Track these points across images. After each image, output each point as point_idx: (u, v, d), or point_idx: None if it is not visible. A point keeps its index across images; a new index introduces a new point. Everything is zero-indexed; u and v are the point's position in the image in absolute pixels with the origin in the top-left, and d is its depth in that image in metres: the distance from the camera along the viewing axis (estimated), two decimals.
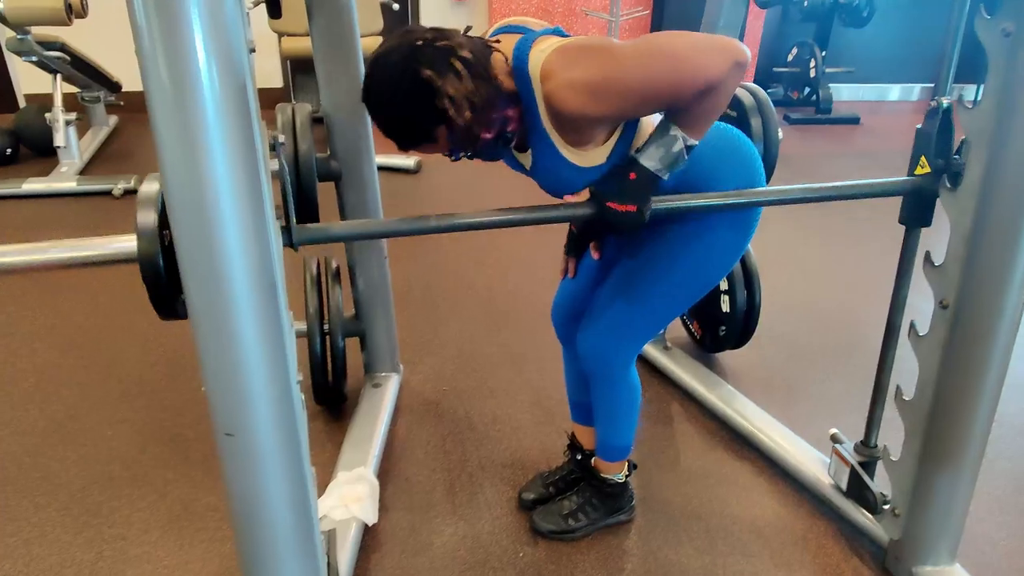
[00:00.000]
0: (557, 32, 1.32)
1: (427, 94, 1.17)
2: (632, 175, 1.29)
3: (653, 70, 1.20)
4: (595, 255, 1.60)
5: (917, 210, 1.50)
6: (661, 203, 1.35)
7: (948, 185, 1.41)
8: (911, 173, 1.48)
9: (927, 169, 1.44)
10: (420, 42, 1.18)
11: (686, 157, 1.29)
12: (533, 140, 1.33)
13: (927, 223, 1.50)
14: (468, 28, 1.30)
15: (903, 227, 1.56)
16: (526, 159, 1.41)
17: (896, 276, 1.61)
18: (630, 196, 1.29)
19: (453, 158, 1.33)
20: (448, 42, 1.19)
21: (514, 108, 1.30)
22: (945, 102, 1.40)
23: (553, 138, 1.30)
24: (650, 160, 1.28)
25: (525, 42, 1.27)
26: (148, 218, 1.00)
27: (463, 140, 1.25)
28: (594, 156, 1.32)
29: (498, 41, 1.29)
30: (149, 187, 1.02)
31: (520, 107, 1.30)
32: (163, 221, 1.00)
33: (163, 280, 1.03)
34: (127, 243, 1.03)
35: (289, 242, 1.21)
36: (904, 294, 1.61)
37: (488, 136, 1.28)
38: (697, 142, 1.28)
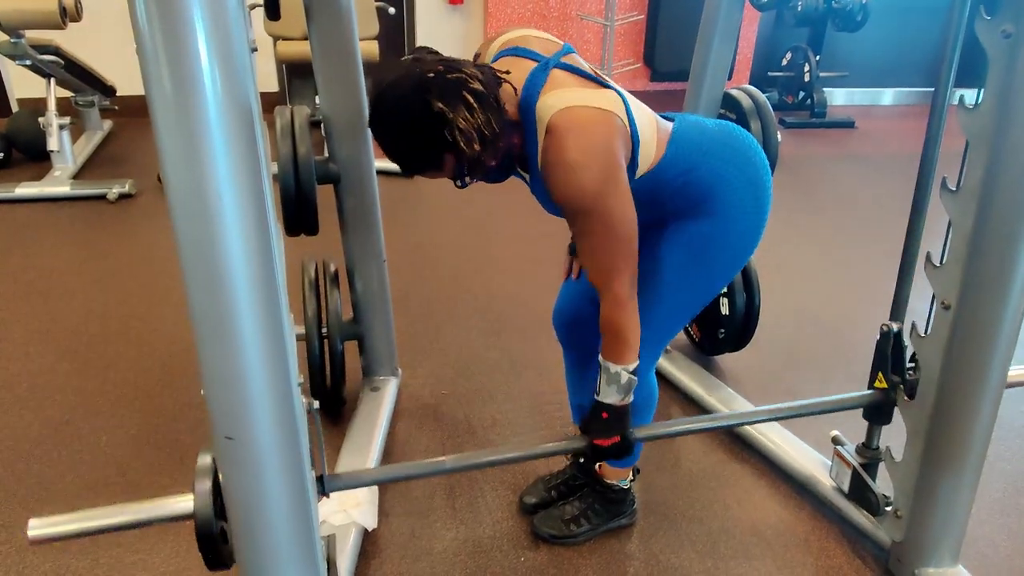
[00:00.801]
0: (566, 53, 1.34)
1: (438, 126, 1.19)
2: (604, 415, 1.44)
3: (591, 232, 1.31)
4: None
5: (878, 415, 1.67)
6: (644, 433, 1.53)
7: (905, 398, 1.55)
8: (871, 386, 1.64)
9: (884, 384, 1.61)
10: (431, 73, 1.19)
11: (636, 378, 1.42)
12: (531, 167, 1.36)
13: (888, 422, 1.66)
14: (477, 56, 1.32)
15: (903, 214, 1.58)
16: (527, 176, 1.44)
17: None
18: (610, 430, 1.46)
19: (459, 184, 1.34)
20: (459, 74, 1.20)
21: (518, 135, 1.33)
22: (895, 326, 1.58)
23: (544, 180, 1.32)
24: (610, 398, 1.43)
25: (536, 81, 1.29)
26: (204, 485, 1.11)
27: (470, 168, 1.27)
28: None
29: (508, 72, 1.30)
30: (204, 459, 1.14)
31: (523, 134, 1.33)
32: (216, 487, 1.12)
33: (215, 538, 1.12)
34: (184, 505, 1.13)
35: (323, 491, 1.31)
36: (906, 293, 1.63)
37: (493, 163, 1.30)
38: (636, 364, 1.41)
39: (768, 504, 1.88)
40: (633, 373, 1.41)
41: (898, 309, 1.65)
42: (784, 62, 5.86)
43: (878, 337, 1.61)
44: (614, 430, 1.45)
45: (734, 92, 2.11)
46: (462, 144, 1.20)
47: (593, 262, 1.35)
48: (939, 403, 1.47)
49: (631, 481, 1.75)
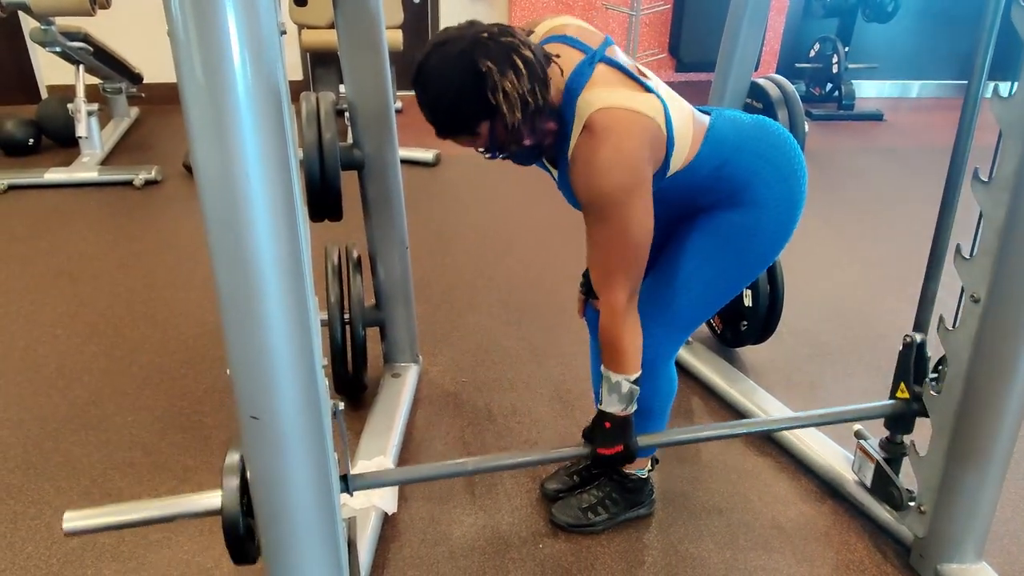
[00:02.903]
0: (608, 45, 1.33)
1: (483, 86, 1.18)
2: (607, 424, 1.44)
3: (612, 247, 1.32)
4: None
5: (901, 424, 1.66)
6: (647, 441, 1.53)
7: (927, 399, 1.55)
8: (892, 395, 1.65)
9: (906, 394, 1.62)
10: (485, 34, 1.19)
11: (638, 387, 1.41)
12: (560, 162, 1.36)
13: (909, 431, 1.67)
14: (530, 32, 1.32)
15: (932, 211, 1.56)
16: (554, 171, 1.44)
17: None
18: (613, 440, 1.46)
19: (488, 156, 1.34)
20: (512, 39, 1.20)
21: (555, 122, 1.32)
22: (919, 337, 1.59)
23: (571, 174, 1.32)
24: (612, 407, 1.42)
25: (582, 73, 1.28)
26: (232, 483, 1.14)
27: (505, 139, 1.26)
28: None
29: (559, 56, 1.29)
30: (232, 458, 1.17)
31: (560, 124, 1.32)
32: (243, 486, 1.15)
33: (242, 537, 1.15)
34: (211, 501, 1.18)
35: (346, 489, 1.34)
36: (934, 288, 1.59)
37: (528, 143, 1.29)
38: (637, 375, 1.40)
39: (789, 497, 1.87)
40: (635, 383, 1.40)
41: (923, 315, 1.63)
42: (812, 53, 5.78)
43: (901, 347, 1.61)
44: (617, 439, 1.45)
45: (761, 81, 2.09)
46: (504, 109, 1.19)
47: (599, 265, 1.36)
48: (966, 397, 1.45)
49: (649, 471, 1.75)
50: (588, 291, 1.71)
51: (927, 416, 1.55)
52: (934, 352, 1.58)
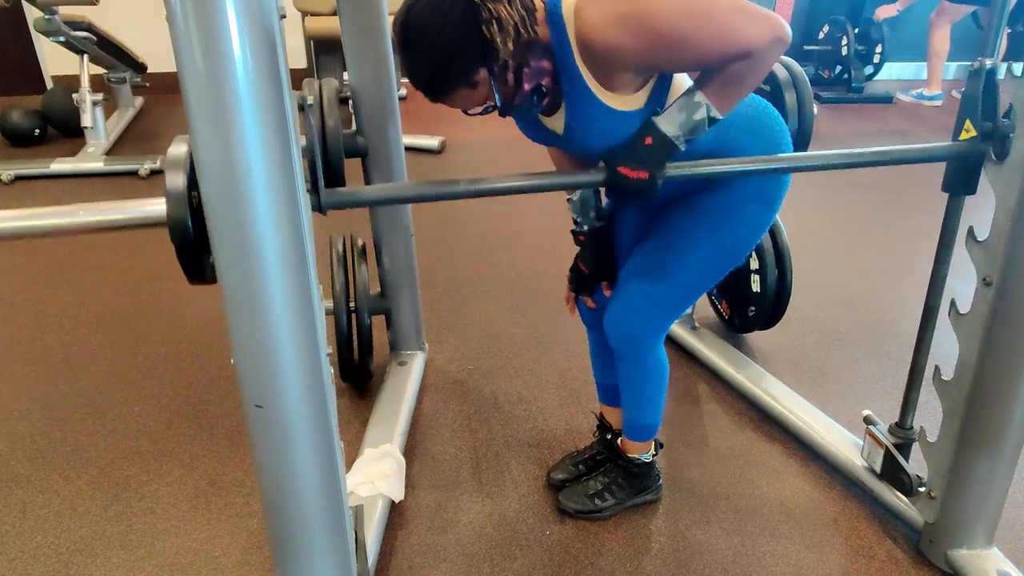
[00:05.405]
0: None
1: (475, 21, 1.12)
2: (648, 139, 1.23)
3: (689, 25, 1.13)
4: (607, 292, 1.61)
5: (962, 177, 1.40)
6: (676, 169, 1.27)
7: (994, 158, 1.34)
8: (955, 138, 1.40)
9: (972, 133, 1.35)
10: None
11: (707, 128, 1.23)
12: (566, 89, 1.27)
13: (972, 191, 1.41)
14: None
15: (943, 197, 1.50)
16: (557, 122, 1.35)
17: (937, 247, 1.54)
18: (643, 162, 1.23)
19: (483, 110, 1.26)
20: None
21: (549, 60, 1.24)
22: (988, 63, 1.32)
23: (588, 80, 1.24)
24: (669, 125, 1.22)
25: None
26: (177, 181, 0.99)
27: (503, 81, 1.19)
28: (631, 101, 1.27)
29: None
30: (177, 149, 1.00)
31: (554, 61, 1.25)
32: (191, 182, 0.99)
33: (192, 242, 1.02)
34: (156, 207, 1.02)
35: (318, 206, 1.16)
36: (945, 270, 1.55)
37: (527, 86, 1.23)
38: (722, 116, 1.23)
39: (797, 483, 1.86)
40: (710, 122, 1.22)
41: (933, 299, 1.55)
42: (821, 35, 5.71)
43: (966, 81, 1.35)
44: (647, 163, 1.23)
45: None
46: (498, 40, 1.13)
47: (710, 50, 1.15)
48: (977, 382, 1.43)
49: (653, 455, 1.74)
50: (577, 288, 1.71)
51: (997, 158, 1.31)
52: (942, 339, 1.56)
